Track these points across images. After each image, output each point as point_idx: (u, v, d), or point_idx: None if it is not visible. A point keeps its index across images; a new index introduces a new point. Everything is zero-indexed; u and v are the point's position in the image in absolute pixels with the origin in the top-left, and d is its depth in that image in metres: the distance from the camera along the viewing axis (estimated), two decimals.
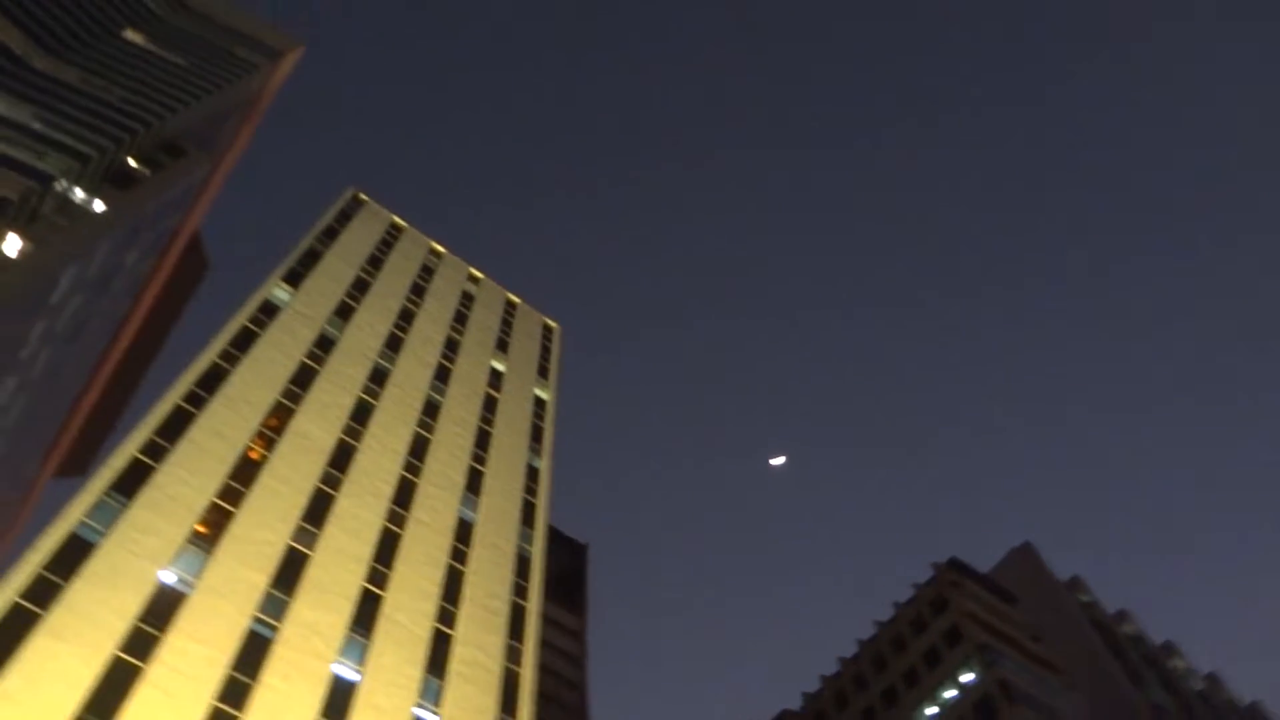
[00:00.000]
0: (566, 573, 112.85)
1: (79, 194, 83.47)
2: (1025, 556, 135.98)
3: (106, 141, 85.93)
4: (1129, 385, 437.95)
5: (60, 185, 79.57)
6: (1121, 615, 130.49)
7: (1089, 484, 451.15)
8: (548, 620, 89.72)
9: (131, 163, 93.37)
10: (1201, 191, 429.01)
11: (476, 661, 56.58)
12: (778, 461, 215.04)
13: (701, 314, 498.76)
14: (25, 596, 41.11)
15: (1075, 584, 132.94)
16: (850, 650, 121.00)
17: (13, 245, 72.81)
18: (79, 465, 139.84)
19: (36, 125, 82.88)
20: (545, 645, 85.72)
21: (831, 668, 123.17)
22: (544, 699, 79.14)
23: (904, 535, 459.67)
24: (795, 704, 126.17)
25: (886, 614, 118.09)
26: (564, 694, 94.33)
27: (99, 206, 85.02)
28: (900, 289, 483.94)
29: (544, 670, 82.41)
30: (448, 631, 56.95)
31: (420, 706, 51.06)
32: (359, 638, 51.87)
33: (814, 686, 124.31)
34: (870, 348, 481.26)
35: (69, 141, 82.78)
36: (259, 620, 48.29)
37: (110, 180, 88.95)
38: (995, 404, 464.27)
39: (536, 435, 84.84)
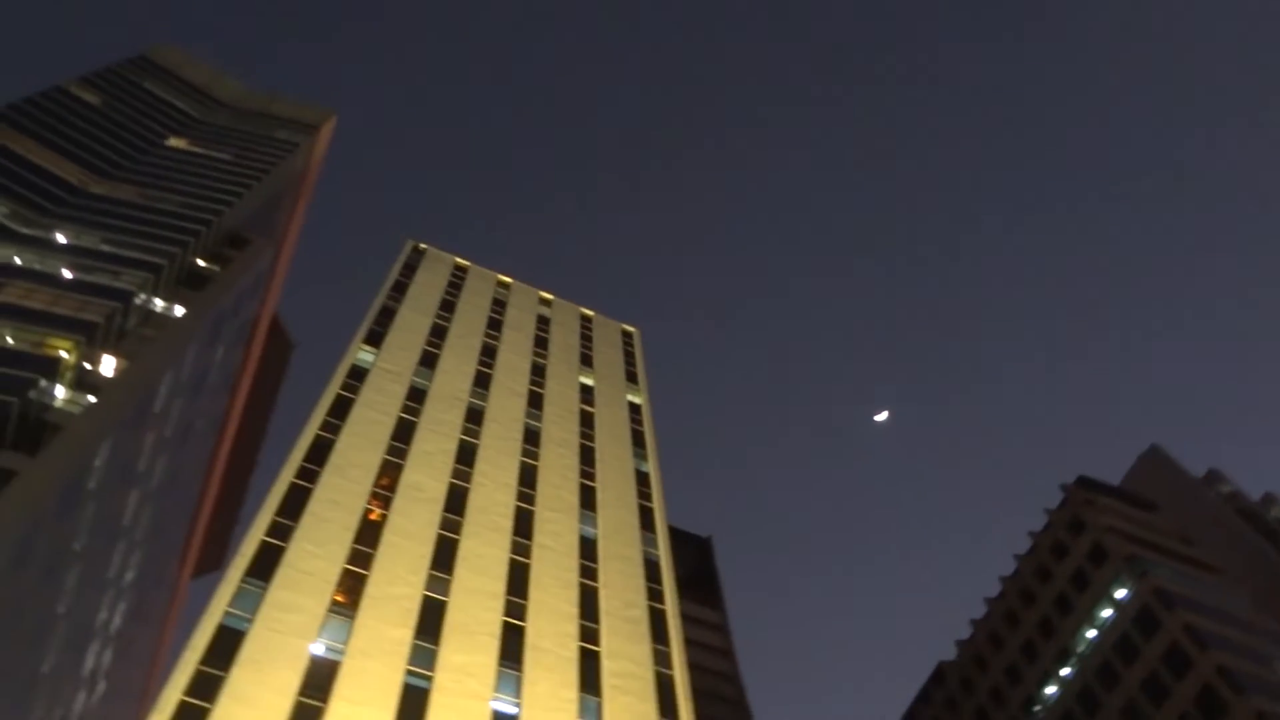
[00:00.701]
0: (695, 569, 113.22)
1: (158, 303, 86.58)
2: (1155, 460, 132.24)
3: (173, 248, 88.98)
4: (1227, 261, 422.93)
5: (139, 299, 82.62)
6: (1268, 499, 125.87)
7: (1201, 372, 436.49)
8: (688, 619, 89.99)
9: (200, 262, 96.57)
10: None
11: (628, 672, 57.02)
12: (881, 417, 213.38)
13: (770, 291, 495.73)
14: (191, 694, 42.63)
15: (1213, 477, 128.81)
16: (995, 590, 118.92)
17: (108, 366, 75.81)
18: (214, 560, 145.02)
19: (106, 247, 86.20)
20: (691, 643, 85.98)
21: (980, 611, 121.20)
22: (702, 695, 79.37)
23: (1023, 465, 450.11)
24: (950, 655, 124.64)
25: (1025, 546, 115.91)
26: (720, 687, 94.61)
27: (179, 311, 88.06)
28: (987, 211, 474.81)
29: (695, 668, 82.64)
30: (594, 649, 57.51)
31: None
32: (510, 671, 52.68)
33: (967, 633, 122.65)
34: (948, 279, 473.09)
35: (139, 256, 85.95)
36: (412, 673, 49.35)
37: (184, 284, 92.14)
38: (1089, 312, 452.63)
39: (638, 441, 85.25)
